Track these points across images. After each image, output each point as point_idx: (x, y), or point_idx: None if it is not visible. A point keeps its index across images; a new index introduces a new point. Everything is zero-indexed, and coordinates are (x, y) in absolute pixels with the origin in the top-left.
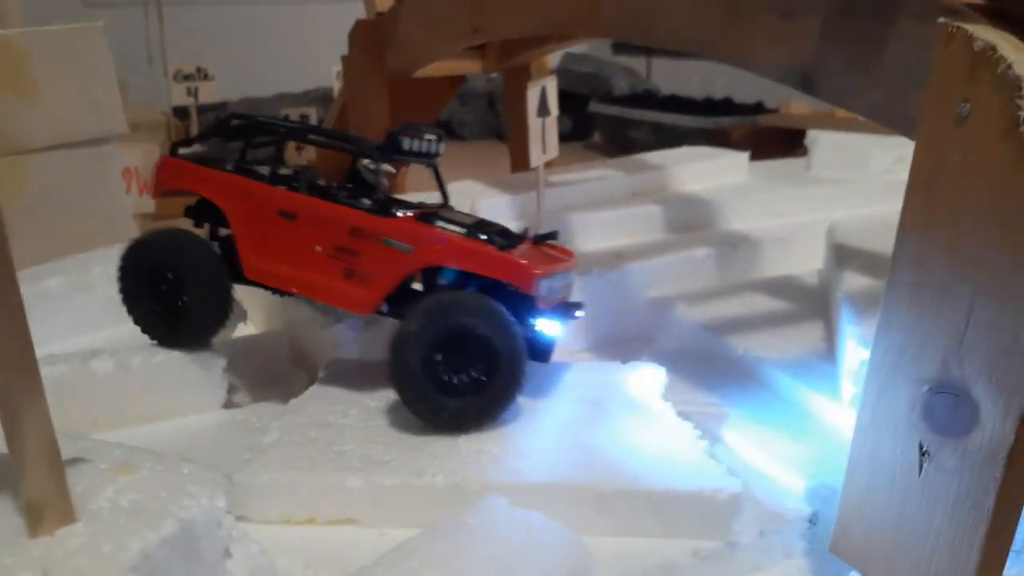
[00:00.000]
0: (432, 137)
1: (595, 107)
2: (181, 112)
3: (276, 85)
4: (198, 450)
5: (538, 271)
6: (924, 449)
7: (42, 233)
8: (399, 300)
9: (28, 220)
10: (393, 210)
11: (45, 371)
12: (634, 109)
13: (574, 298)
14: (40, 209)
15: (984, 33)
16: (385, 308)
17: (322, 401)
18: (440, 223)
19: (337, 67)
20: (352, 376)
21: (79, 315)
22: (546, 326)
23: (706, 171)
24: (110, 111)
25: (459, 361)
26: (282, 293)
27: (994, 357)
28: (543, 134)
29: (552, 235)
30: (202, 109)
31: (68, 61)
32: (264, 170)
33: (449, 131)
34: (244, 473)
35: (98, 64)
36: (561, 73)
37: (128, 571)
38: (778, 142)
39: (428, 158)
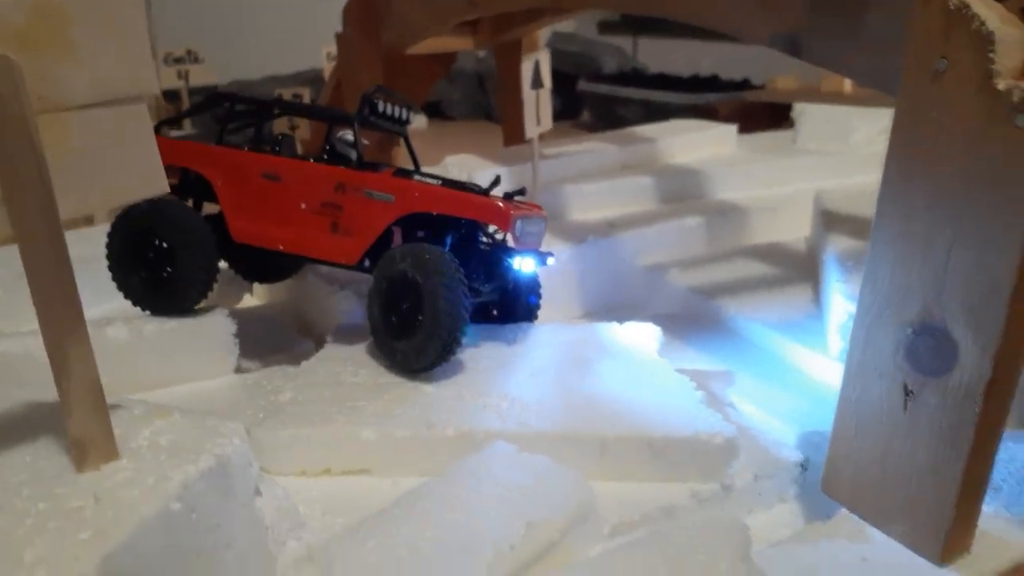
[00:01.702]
0: (404, 102)
1: (584, 86)
2: (172, 95)
3: (267, 67)
4: (214, 410)
5: (513, 211)
6: (909, 389)
7: (83, 186)
8: (379, 256)
9: (69, 174)
10: (375, 166)
11: None
12: (622, 87)
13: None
14: (80, 163)
15: None
16: (367, 263)
17: (332, 362)
18: (417, 177)
19: (328, 48)
20: (359, 339)
21: (88, 286)
22: (523, 263)
23: (695, 143)
24: (145, 71)
25: (400, 305)
26: (268, 264)
27: (972, 301)
28: (537, 106)
29: (521, 191)
30: (193, 92)
31: (106, 23)
32: (245, 144)
33: (438, 111)
34: (262, 428)
35: (135, 26)
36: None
37: (172, 500)
38: (765, 117)
39: (400, 124)
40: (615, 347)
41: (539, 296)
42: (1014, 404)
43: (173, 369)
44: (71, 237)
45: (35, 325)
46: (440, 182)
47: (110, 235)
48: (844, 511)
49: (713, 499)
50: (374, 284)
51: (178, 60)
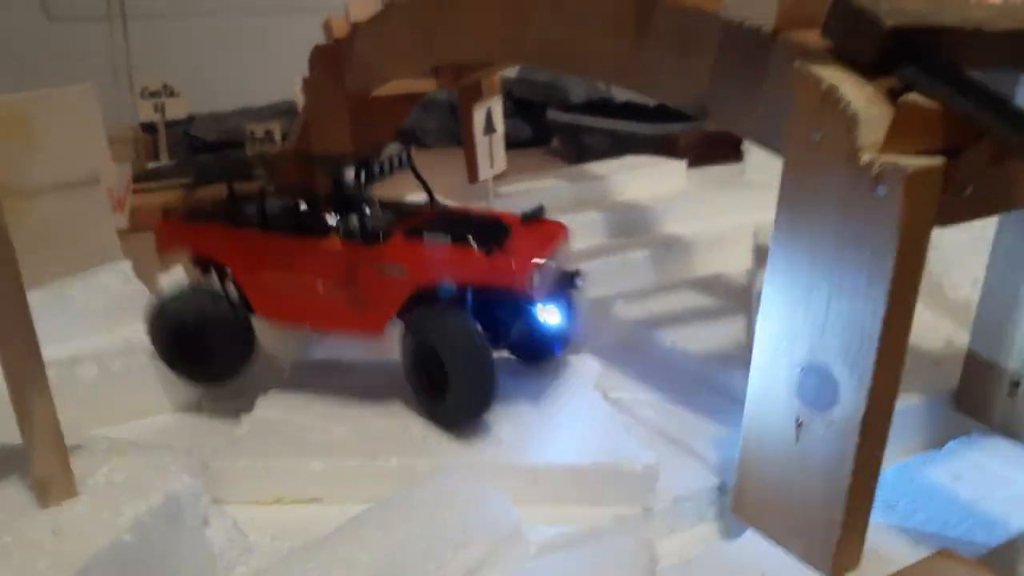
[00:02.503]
0: (394, 153)
1: (552, 115)
2: (149, 127)
3: (241, 98)
4: (176, 442)
5: (528, 268)
6: (799, 421)
7: (43, 258)
8: (409, 309)
9: (30, 248)
10: (382, 230)
11: None
12: (588, 116)
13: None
14: (40, 238)
15: (830, 75)
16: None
17: (287, 397)
18: (428, 235)
19: (299, 81)
20: (315, 374)
21: (60, 326)
22: (547, 314)
23: (646, 179)
24: (98, 156)
25: (430, 370)
26: None
27: (848, 345)
28: (490, 150)
29: (538, 211)
30: (169, 124)
31: (63, 115)
32: (252, 208)
33: (414, 138)
34: (219, 460)
35: (88, 118)
36: (520, 82)
37: (124, 532)
38: (726, 146)
39: (402, 167)
40: (555, 380)
41: (566, 339)
42: (920, 430)
43: (140, 403)
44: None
45: None
46: (460, 221)
47: (149, 327)
48: (751, 530)
49: (635, 521)
50: (402, 349)
51: (154, 94)
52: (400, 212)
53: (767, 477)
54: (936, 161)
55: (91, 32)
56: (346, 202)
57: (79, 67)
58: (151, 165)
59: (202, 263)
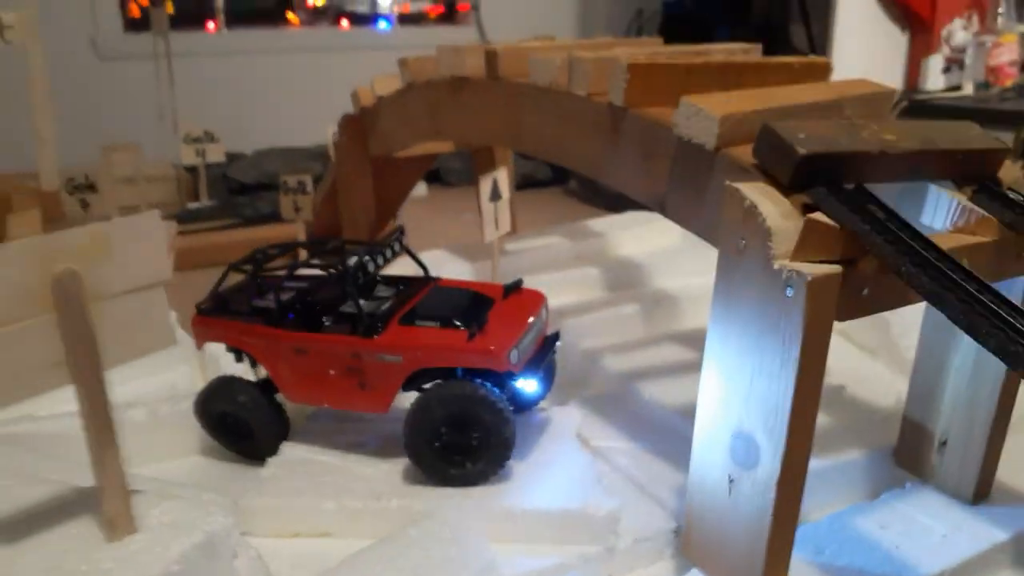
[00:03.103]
0: (387, 246)
1: None
2: (191, 169)
3: (278, 140)
4: (212, 480)
5: (504, 349)
6: (731, 478)
7: (118, 344)
8: (410, 381)
9: (109, 337)
10: (381, 320)
11: None
12: None
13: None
14: (116, 330)
15: (751, 192)
16: (400, 390)
17: (306, 443)
18: (419, 322)
19: (333, 128)
20: (330, 425)
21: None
22: (525, 385)
23: (641, 236)
24: (162, 264)
25: (455, 434)
26: None
27: (766, 415)
28: (495, 215)
29: (517, 284)
30: (209, 167)
31: (135, 238)
32: (271, 301)
33: (438, 178)
34: (247, 499)
35: (155, 237)
36: None
37: (173, 564)
38: None
39: (398, 254)
40: (541, 430)
41: (544, 393)
42: (860, 483)
43: (182, 444)
44: None
45: (66, 408)
46: (450, 304)
47: (197, 410)
48: (695, 569)
49: (598, 559)
50: (413, 421)
51: (196, 139)
52: (399, 290)
53: (707, 524)
54: (834, 269)
55: (139, 70)
56: (348, 296)
57: (128, 104)
58: (192, 206)
59: (235, 351)
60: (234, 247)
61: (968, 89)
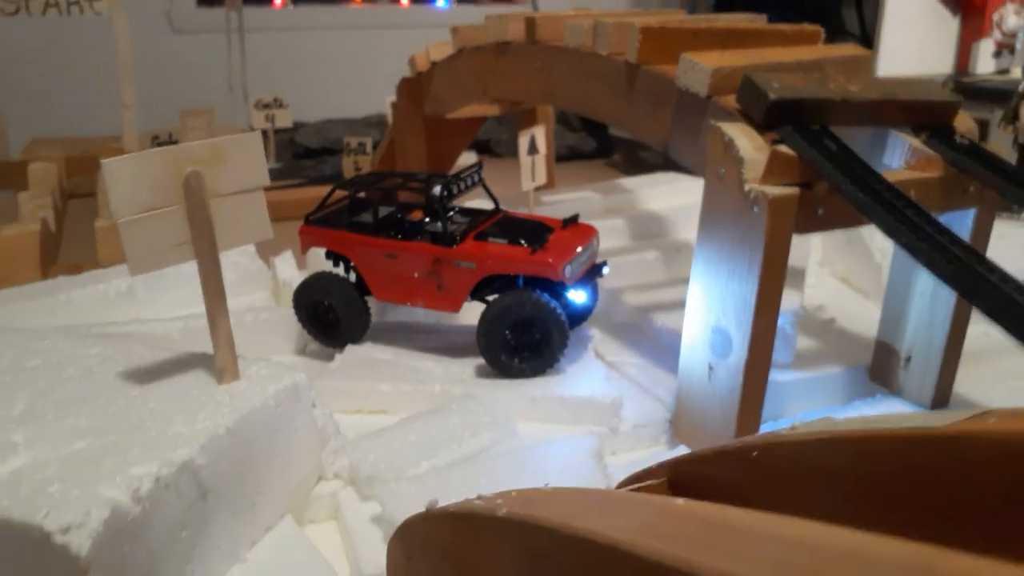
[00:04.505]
0: (468, 176)
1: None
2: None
3: (341, 110)
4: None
5: (560, 263)
6: (711, 366)
7: (228, 233)
8: (479, 289)
9: (221, 227)
10: (459, 235)
11: (192, 324)
12: None
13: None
14: (226, 222)
15: (730, 129)
16: (469, 298)
17: (367, 345)
18: (491, 239)
19: (391, 97)
20: (388, 331)
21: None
22: (576, 296)
23: (667, 193)
24: (260, 174)
25: (521, 334)
26: None
27: (737, 311)
28: (532, 168)
29: (574, 218)
30: (277, 131)
31: (243, 150)
32: (368, 217)
33: (487, 148)
34: (320, 380)
35: (256, 150)
36: None
37: (269, 399)
38: None
39: (476, 184)
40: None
41: (590, 311)
42: (838, 393)
43: (264, 347)
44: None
45: (172, 313)
46: (517, 227)
47: (295, 300)
48: (684, 447)
49: (604, 438)
50: (495, 321)
51: (266, 105)
52: (474, 218)
53: (692, 406)
54: (793, 191)
55: (212, 43)
56: (434, 213)
57: (199, 75)
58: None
59: (333, 256)
60: (301, 203)
61: (1016, 73)
